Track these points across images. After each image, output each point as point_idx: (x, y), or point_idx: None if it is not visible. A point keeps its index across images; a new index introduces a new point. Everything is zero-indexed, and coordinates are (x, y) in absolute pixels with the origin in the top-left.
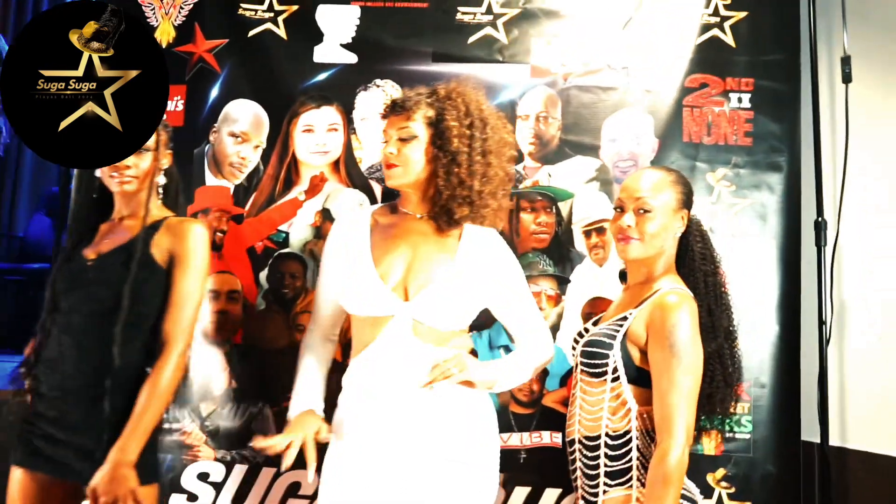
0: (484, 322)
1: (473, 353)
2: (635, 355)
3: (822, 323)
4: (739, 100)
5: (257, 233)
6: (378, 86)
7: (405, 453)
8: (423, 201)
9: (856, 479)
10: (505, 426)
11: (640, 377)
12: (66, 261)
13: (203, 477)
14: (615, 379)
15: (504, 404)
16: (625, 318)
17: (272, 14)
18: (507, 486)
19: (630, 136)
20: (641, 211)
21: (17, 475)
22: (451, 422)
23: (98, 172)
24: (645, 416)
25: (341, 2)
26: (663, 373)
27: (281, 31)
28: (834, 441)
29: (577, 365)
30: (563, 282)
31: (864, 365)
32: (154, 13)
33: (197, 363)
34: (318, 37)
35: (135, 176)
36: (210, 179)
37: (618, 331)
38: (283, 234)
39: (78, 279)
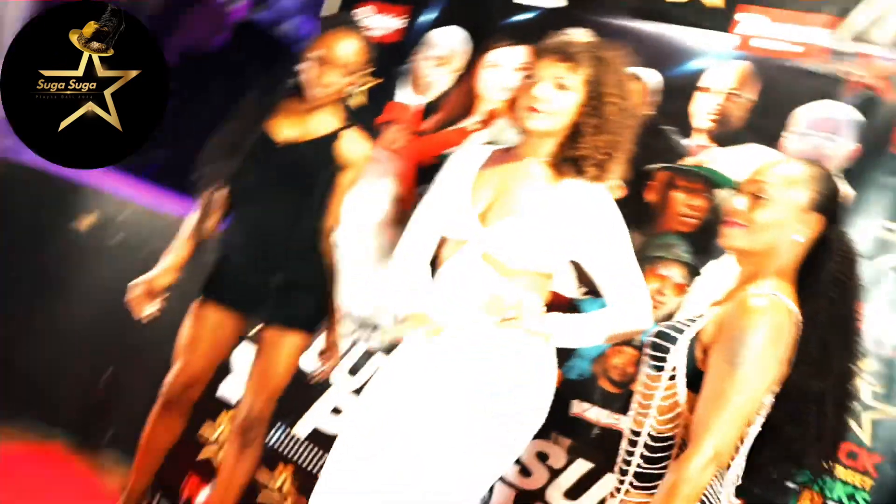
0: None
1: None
2: (700, 357)
3: None
4: None
5: (428, 151)
6: (573, 33)
7: (446, 391)
8: (548, 148)
9: None
10: (588, 397)
11: (700, 387)
12: (250, 129)
13: None
14: (672, 377)
15: (595, 374)
16: (701, 315)
17: None
18: (571, 454)
19: (824, 133)
20: (756, 196)
21: (201, 306)
22: (503, 371)
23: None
24: (689, 426)
25: None
26: (715, 379)
27: None
28: None
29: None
30: (693, 273)
31: None
32: None
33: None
34: None
35: (331, 88)
36: (404, 96)
37: (688, 326)
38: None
39: (268, 156)
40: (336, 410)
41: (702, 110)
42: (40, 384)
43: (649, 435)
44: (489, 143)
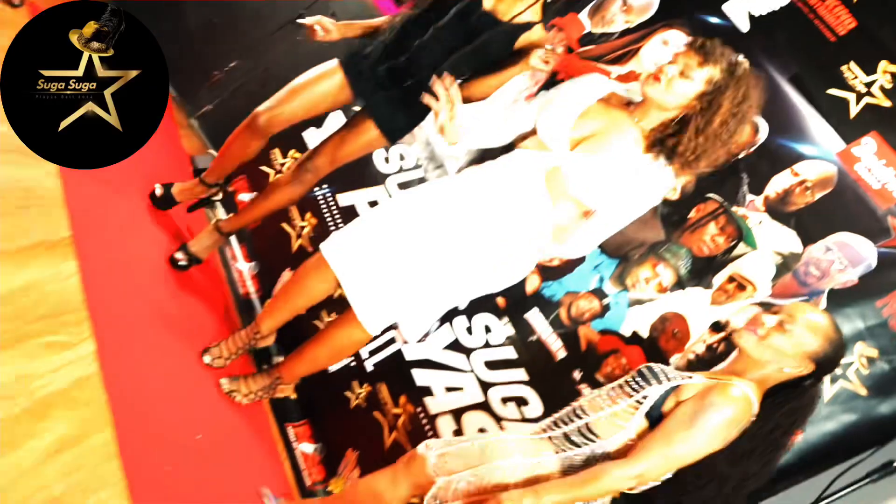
0: (607, 252)
1: None
2: (670, 405)
3: None
4: None
5: (569, 69)
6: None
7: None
8: (654, 122)
9: None
10: (545, 312)
11: (655, 421)
12: None
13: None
14: (639, 402)
15: (561, 302)
16: (690, 377)
17: None
18: (507, 341)
19: (842, 260)
20: (781, 325)
21: (332, 67)
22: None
23: None
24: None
25: None
26: (673, 425)
27: None
28: None
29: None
30: (679, 285)
31: None
32: None
33: None
34: None
35: None
36: (583, 16)
37: (674, 379)
38: None
39: (469, 9)
40: (373, 203)
41: (778, 183)
42: (186, 39)
43: (588, 424)
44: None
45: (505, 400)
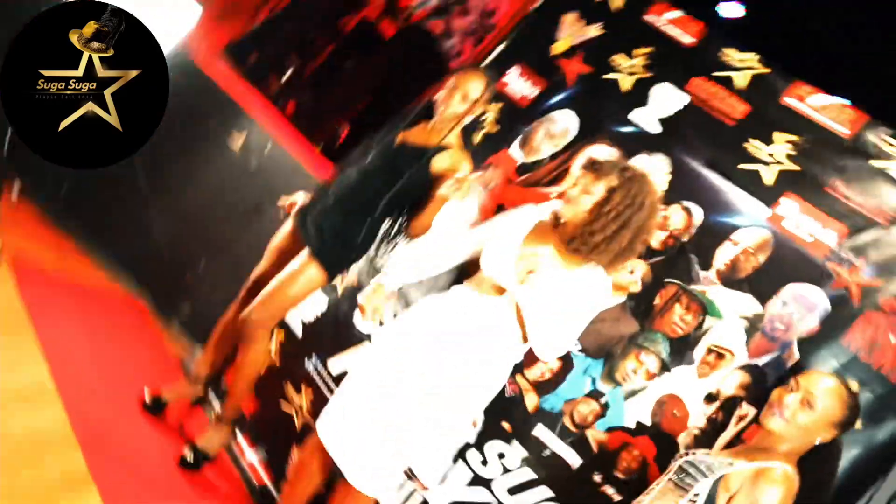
0: (591, 353)
1: None
2: (721, 499)
3: None
4: None
5: (511, 198)
6: (653, 158)
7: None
8: (572, 232)
9: None
10: (552, 427)
11: None
12: (390, 132)
13: None
14: (692, 502)
15: (563, 412)
16: (732, 464)
17: (629, 71)
18: (524, 462)
19: (801, 311)
20: (807, 403)
21: (286, 226)
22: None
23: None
24: None
25: (679, 87)
26: None
27: (626, 84)
28: None
29: (667, 465)
30: (664, 368)
31: None
32: (563, 30)
33: None
34: (644, 101)
35: (453, 112)
36: (514, 150)
37: (721, 469)
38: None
39: (384, 147)
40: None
41: (723, 255)
42: (154, 252)
43: None
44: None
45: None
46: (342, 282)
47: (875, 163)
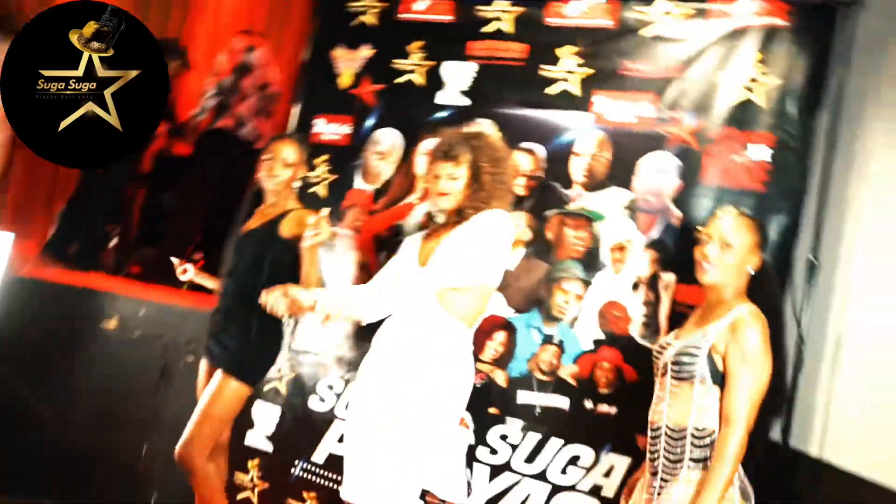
0: (524, 308)
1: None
2: (719, 363)
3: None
4: (759, 152)
5: (382, 224)
6: (479, 124)
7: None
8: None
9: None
10: (528, 387)
11: (724, 382)
12: (236, 230)
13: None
14: (702, 382)
15: (530, 370)
16: (708, 332)
17: (414, 67)
18: (524, 430)
19: (658, 175)
20: (725, 246)
21: (202, 365)
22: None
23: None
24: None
25: (462, 59)
26: (735, 376)
27: (419, 79)
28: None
29: (662, 367)
30: (587, 284)
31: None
32: (341, 64)
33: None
34: (442, 84)
35: (279, 180)
36: (359, 184)
37: (703, 343)
38: (400, 226)
39: (237, 244)
40: (342, 439)
41: (577, 169)
42: (87, 467)
43: (695, 428)
44: (428, 213)
45: (563, 470)
46: (281, 381)
47: (643, 32)
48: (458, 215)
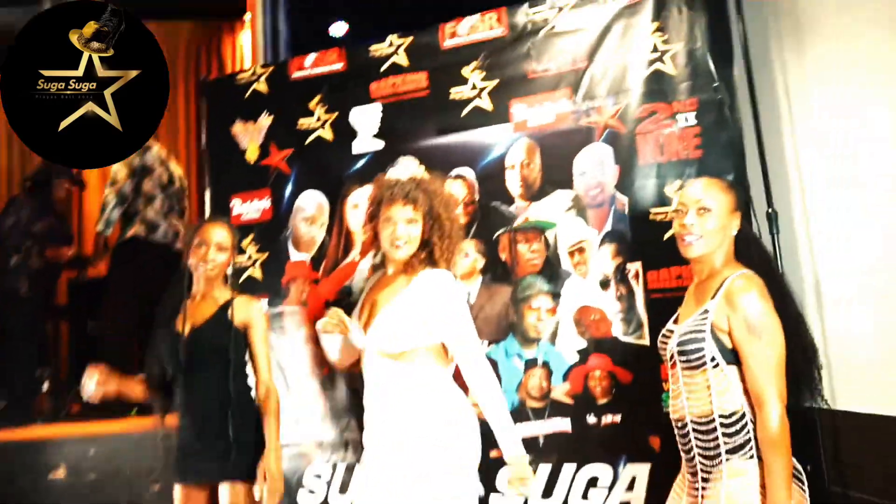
0: (498, 337)
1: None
2: (726, 341)
3: None
4: (686, 119)
5: (329, 290)
6: (401, 163)
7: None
8: (407, 260)
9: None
10: (524, 418)
11: (738, 359)
12: (165, 332)
13: (317, 476)
14: (715, 366)
15: (522, 400)
16: (706, 311)
17: (320, 123)
18: (532, 464)
19: (595, 168)
20: (702, 210)
21: (178, 491)
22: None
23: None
24: (748, 394)
25: (366, 102)
26: (748, 352)
27: (328, 134)
28: None
29: (671, 359)
30: (556, 296)
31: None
32: (244, 139)
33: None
34: (354, 133)
35: (216, 265)
36: (294, 256)
37: (703, 324)
38: (349, 288)
39: (182, 349)
40: None
41: (512, 182)
42: None
43: (721, 416)
44: (373, 266)
45: (584, 495)
46: None
47: (544, 32)
48: (408, 268)
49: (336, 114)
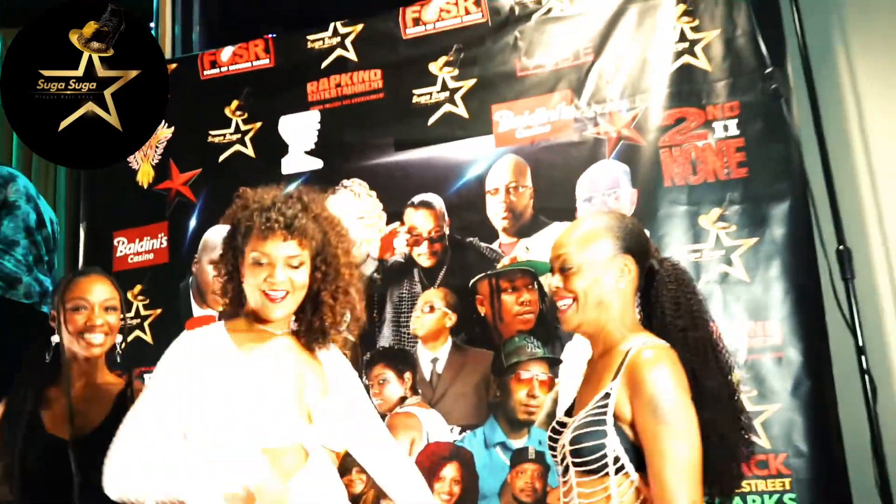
0: (475, 421)
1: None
2: (632, 436)
3: (864, 372)
4: (725, 128)
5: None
6: (346, 186)
7: None
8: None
9: None
10: None
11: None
12: (31, 431)
13: None
14: (619, 470)
15: None
16: (607, 395)
17: (239, 135)
18: None
19: (605, 192)
20: (564, 269)
21: None
22: None
23: (61, 337)
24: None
25: (300, 109)
26: (654, 446)
27: (249, 150)
28: None
29: (562, 463)
30: (554, 363)
31: None
32: (135, 157)
33: None
34: (283, 149)
35: (105, 337)
36: (196, 310)
37: (604, 412)
38: None
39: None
40: None
41: (495, 212)
42: None
43: None
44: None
45: None
46: None
47: (536, 17)
48: (313, 335)
49: (260, 123)
